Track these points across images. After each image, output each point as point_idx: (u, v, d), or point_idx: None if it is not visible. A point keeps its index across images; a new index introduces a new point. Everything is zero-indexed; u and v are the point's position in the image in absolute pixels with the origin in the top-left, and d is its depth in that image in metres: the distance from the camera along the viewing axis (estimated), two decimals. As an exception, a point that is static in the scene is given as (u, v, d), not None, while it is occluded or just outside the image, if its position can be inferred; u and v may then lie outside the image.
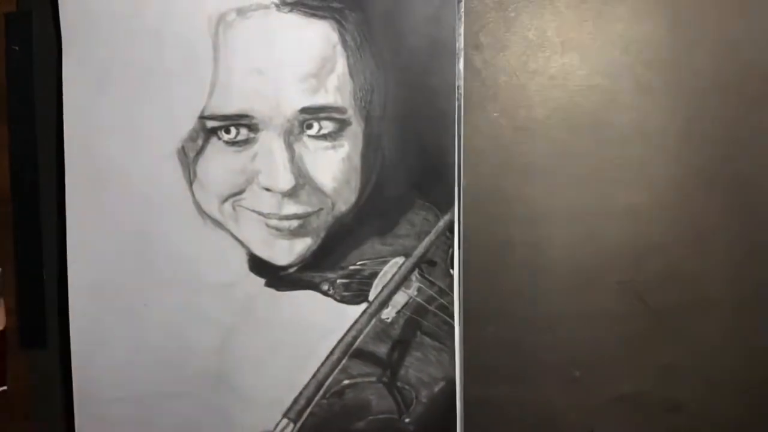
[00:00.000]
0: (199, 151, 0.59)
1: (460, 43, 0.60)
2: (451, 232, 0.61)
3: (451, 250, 0.61)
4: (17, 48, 0.58)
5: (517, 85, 0.62)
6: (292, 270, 0.60)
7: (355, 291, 0.61)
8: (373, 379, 0.61)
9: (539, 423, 0.64)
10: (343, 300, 0.61)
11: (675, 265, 0.64)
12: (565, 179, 0.63)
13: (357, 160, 0.60)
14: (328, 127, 0.59)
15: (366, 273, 0.61)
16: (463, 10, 0.60)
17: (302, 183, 0.59)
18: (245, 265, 0.60)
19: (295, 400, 0.61)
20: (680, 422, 0.65)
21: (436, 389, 0.61)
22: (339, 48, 0.59)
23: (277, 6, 0.58)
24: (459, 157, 0.60)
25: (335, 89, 0.59)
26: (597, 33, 0.62)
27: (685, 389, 0.64)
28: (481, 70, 0.62)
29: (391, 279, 0.61)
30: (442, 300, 0.61)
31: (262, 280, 0.60)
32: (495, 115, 0.62)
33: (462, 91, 0.60)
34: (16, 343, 0.61)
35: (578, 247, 0.63)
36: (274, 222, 0.60)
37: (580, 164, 0.63)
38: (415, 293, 0.61)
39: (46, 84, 0.59)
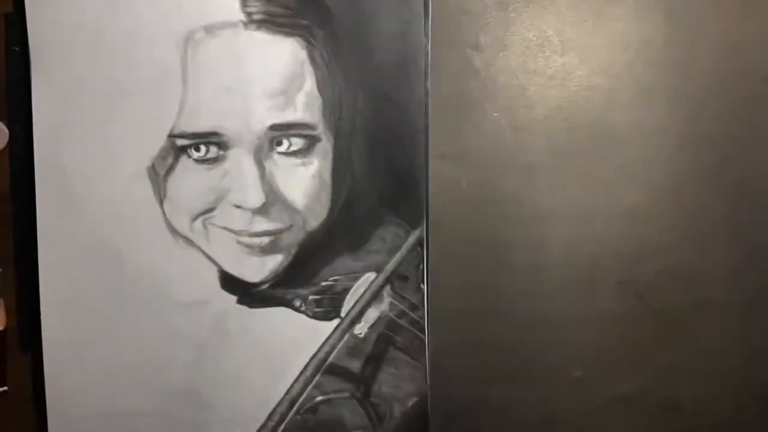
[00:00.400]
0: (169, 169, 0.59)
1: (428, 59, 0.60)
2: (422, 247, 0.61)
3: (421, 266, 0.61)
4: (17, 48, 0.58)
5: (516, 85, 0.62)
6: (264, 287, 0.60)
7: (327, 307, 0.61)
8: (347, 394, 0.61)
9: (539, 423, 0.64)
10: (315, 316, 0.61)
11: (675, 265, 0.64)
12: (565, 179, 0.63)
13: (327, 177, 0.60)
14: (297, 143, 0.59)
15: (338, 289, 0.61)
16: (430, 27, 0.60)
17: (273, 200, 0.60)
18: (217, 283, 0.60)
19: (269, 417, 0.61)
20: (680, 422, 0.65)
21: (410, 404, 0.62)
22: (307, 65, 0.59)
23: (244, 24, 0.58)
24: (428, 173, 0.60)
25: (304, 106, 0.59)
26: (597, 33, 0.62)
27: (684, 389, 0.65)
28: (480, 70, 0.62)
29: (363, 294, 0.61)
30: (413, 315, 0.61)
31: (234, 298, 0.60)
32: (495, 114, 0.62)
33: (430, 110, 0.60)
34: (16, 343, 0.60)
35: (578, 247, 0.63)
36: (245, 239, 0.60)
37: (580, 164, 0.63)
38: (387, 308, 0.61)
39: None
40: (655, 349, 0.64)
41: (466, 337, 0.62)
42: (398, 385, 0.61)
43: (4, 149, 0.59)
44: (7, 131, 0.58)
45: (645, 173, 0.63)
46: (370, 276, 0.61)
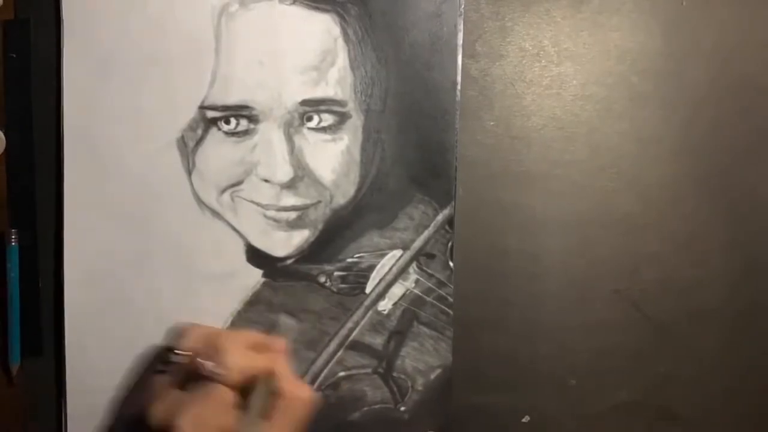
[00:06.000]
0: (199, 141, 0.59)
1: (460, 39, 0.60)
2: (451, 225, 0.61)
3: (450, 243, 0.61)
4: (15, 56, 0.58)
5: (512, 94, 0.63)
6: (289, 261, 0.61)
7: (352, 283, 0.61)
8: (369, 370, 0.62)
9: (533, 432, 0.65)
10: (340, 292, 0.61)
11: (671, 273, 0.65)
12: (561, 188, 0.63)
13: (356, 154, 0.60)
14: (328, 119, 0.60)
15: (363, 265, 0.61)
16: (463, 6, 0.60)
17: (301, 175, 0.60)
18: (243, 256, 0.60)
19: (291, 392, 0.61)
20: (675, 431, 0.66)
21: (432, 377, 0.62)
22: (340, 41, 0.59)
23: (279, -2, 0.58)
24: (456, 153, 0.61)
25: (336, 82, 0.59)
26: (592, 43, 0.63)
27: (680, 398, 0.65)
28: (477, 79, 0.62)
29: (388, 271, 0.61)
30: (440, 291, 0.62)
31: (260, 271, 0.60)
32: (491, 123, 0.63)
33: (460, 87, 0.60)
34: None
35: (574, 256, 0.64)
36: (272, 213, 0.60)
37: (576, 173, 0.63)
38: (413, 285, 0.61)
39: (44, 92, 0.59)
40: (650, 358, 0.65)
41: (460, 345, 0.62)
42: (421, 358, 0.62)
43: (0, 157, 0.58)
44: (4, 138, 0.58)
45: (640, 182, 0.64)
46: (397, 253, 0.61)
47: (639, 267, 0.64)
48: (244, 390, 0.51)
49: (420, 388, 0.62)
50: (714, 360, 0.66)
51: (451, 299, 0.62)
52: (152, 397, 0.51)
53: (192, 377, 0.51)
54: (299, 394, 0.53)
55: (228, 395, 0.50)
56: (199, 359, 0.51)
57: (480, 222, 0.62)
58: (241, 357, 0.51)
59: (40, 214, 0.59)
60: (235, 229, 0.60)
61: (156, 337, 0.59)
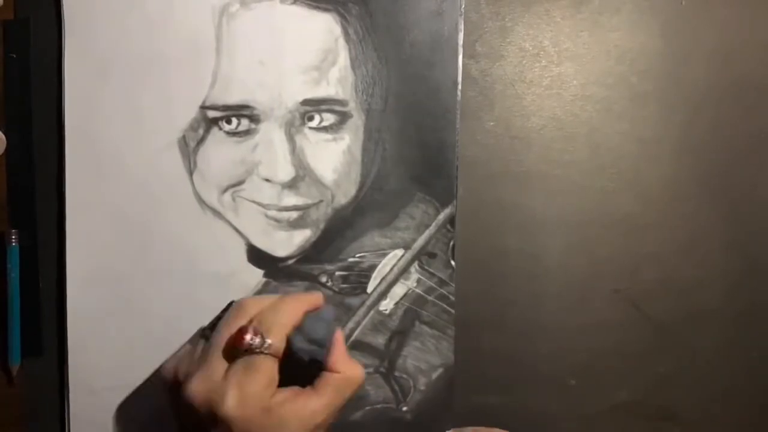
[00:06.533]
0: (200, 141, 0.59)
1: (461, 38, 0.60)
2: (452, 224, 0.61)
3: (451, 242, 0.61)
4: (14, 56, 0.58)
5: (512, 95, 0.63)
6: (290, 261, 0.60)
7: (353, 283, 0.61)
8: (371, 370, 0.62)
9: (534, 432, 0.65)
10: (341, 292, 0.61)
11: (671, 273, 0.64)
12: (561, 188, 0.63)
13: (358, 153, 0.60)
14: (329, 119, 0.60)
15: (365, 265, 0.61)
16: (464, 6, 0.60)
17: (302, 174, 0.60)
18: (244, 256, 0.60)
19: (292, 392, 0.61)
20: (675, 431, 0.66)
21: (434, 376, 0.62)
22: (341, 41, 0.59)
23: (280, -3, 0.58)
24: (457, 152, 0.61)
25: (337, 81, 0.59)
26: (592, 43, 0.63)
27: (680, 398, 0.65)
28: (477, 79, 0.62)
29: (390, 271, 0.61)
30: (442, 290, 0.61)
31: (261, 271, 0.60)
32: (491, 124, 0.63)
33: (461, 87, 0.61)
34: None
35: (574, 256, 0.64)
36: (273, 213, 0.60)
37: (576, 173, 0.63)
38: (415, 285, 0.61)
39: (44, 92, 0.59)
40: (650, 358, 0.65)
41: (460, 345, 0.62)
42: (423, 358, 0.62)
43: (0, 157, 0.58)
44: (4, 138, 0.58)
45: (640, 182, 0.64)
46: (398, 252, 0.61)
47: (639, 267, 0.64)
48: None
49: (422, 387, 0.62)
50: (714, 360, 0.65)
51: (452, 298, 0.61)
52: (194, 373, 0.51)
53: (235, 350, 0.51)
54: (351, 372, 0.53)
55: (271, 369, 0.51)
56: (243, 334, 0.51)
57: (480, 222, 0.62)
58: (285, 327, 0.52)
59: (40, 214, 0.59)
60: (236, 229, 0.60)
61: (157, 337, 0.59)
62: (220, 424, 0.49)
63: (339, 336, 0.54)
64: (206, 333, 0.56)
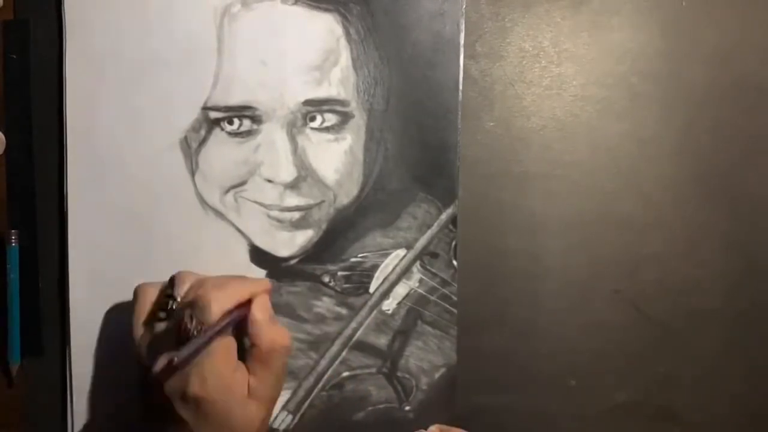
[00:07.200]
0: (202, 142, 0.59)
1: (462, 39, 0.60)
2: (454, 224, 0.61)
3: (454, 242, 0.61)
4: (14, 56, 0.58)
5: (512, 95, 0.63)
6: (293, 262, 0.60)
7: (356, 283, 0.61)
8: (373, 370, 0.62)
9: (534, 432, 0.64)
10: (344, 292, 0.61)
11: (671, 274, 0.64)
12: (561, 189, 0.63)
13: (359, 153, 0.60)
14: (331, 119, 0.60)
15: (367, 265, 0.61)
16: (465, 5, 0.60)
17: (304, 175, 0.60)
18: (246, 257, 0.60)
19: (294, 393, 0.61)
20: (675, 431, 0.65)
21: (437, 376, 0.62)
22: (343, 41, 0.59)
23: (282, -2, 0.58)
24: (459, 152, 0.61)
25: (339, 82, 0.59)
26: (592, 43, 0.63)
27: (680, 398, 0.65)
28: (477, 79, 0.62)
29: (392, 271, 0.61)
30: (444, 290, 0.61)
31: (264, 272, 0.60)
32: (491, 124, 0.63)
33: (462, 87, 0.61)
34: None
35: (574, 256, 0.64)
36: (275, 213, 0.60)
37: (576, 174, 0.63)
38: (417, 284, 0.61)
39: (44, 92, 0.58)
40: (650, 358, 0.65)
41: (460, 345, 0.62)
42: (425, 358, 0.62)
43: (0, 157, 0.58)
44: (4, 139, 0.58)
45: (640, 183, 0.64)
46: (400, 252, 0.61)
47: (639, 267, 0.64)
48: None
49: (424, 387, 0.62)
50: (714, 360, 0.65)
51: (455, 298, 0.61)
52: (157, 355, 0.51)
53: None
54: (273, 340, 0.52)
55: (224, 345, 0.50)
56: (186, 323, 0.50)
57: (480, 222, 0.62)
58: (225, 306, 0.51)
59: (40, 214, 0.59)
60: (238, 230, 0.60)
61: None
62: (186, 406, 0.49)
63: (262, 303, 0.53)
64: (161, 311, 0.54)
